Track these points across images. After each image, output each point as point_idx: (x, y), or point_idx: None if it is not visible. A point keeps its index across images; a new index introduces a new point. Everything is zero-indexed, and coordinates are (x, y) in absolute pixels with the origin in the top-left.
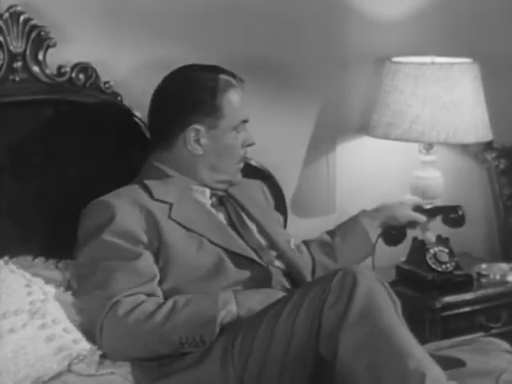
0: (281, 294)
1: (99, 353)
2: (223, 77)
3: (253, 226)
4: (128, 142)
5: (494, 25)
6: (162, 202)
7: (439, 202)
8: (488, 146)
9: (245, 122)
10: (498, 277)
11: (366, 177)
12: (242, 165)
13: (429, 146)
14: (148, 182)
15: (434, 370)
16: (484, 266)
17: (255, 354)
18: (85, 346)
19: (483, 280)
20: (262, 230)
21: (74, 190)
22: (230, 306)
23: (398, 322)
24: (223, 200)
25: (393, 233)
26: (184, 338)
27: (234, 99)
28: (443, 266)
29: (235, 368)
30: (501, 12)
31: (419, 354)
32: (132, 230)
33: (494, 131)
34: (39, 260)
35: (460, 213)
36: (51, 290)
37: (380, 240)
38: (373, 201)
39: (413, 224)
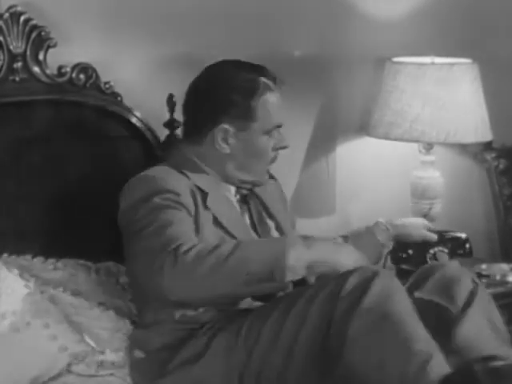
0: (347, 249)
1: (99, 353)
2: (262, 79)
3: (272, 225)
4: (128, 142)
5: (493, 25)
6: (198, 188)
7: (439, 203)
8: (488, 146)
9: (279, 126)
10: (498, 277)
11: (365, 177)
12: (270, 166)
13: (429, 146)
14: (183, 170)
15: (440, 357)
16: (484, 266)
17: (262, 340)
18: (84, 346)
19: (483, 280)
20: (279, 229)
21: (74, 190)
22: (298, 247)
23: (412, 312)
24: (247, 198)
25: (401, 255)
26: (253, 271)
27: (269, 103)
28: None
29: (239, 357)
30: (500, 12)
31: (427, 339)
32: (184, 202)
33: (493, 131)
34: (38, 260)
35: (467, 247)
36: (50, 290)
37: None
38: (373, 201)
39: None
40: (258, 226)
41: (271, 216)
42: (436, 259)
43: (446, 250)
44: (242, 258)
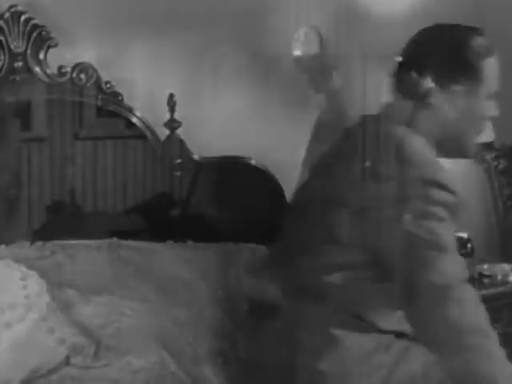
0: None
1: (95, 344)
2: (486, 41)
3: None
4: (128, 142)
5: (495, 25)
6: None
7: None
8: (488, 146)
9: (496, 93)
10: (499, 277)
11: None
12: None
13: None
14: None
15: None
16: (486, 266)
17: None
18: (81, 339)
19: (485, 280)
20: None
21: (74, 190)
22: None
23: None
24: None
25: None
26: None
27: (492, 66)
28: None
29: None
30: (503, 12)
31: None
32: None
33: (493, 131)
34: (35, 246)
35: (469, 247)
36: (46, 283)
37: None
38: None
39: None
40: None
41: None
42: None
43: None
44: (474, 359)
